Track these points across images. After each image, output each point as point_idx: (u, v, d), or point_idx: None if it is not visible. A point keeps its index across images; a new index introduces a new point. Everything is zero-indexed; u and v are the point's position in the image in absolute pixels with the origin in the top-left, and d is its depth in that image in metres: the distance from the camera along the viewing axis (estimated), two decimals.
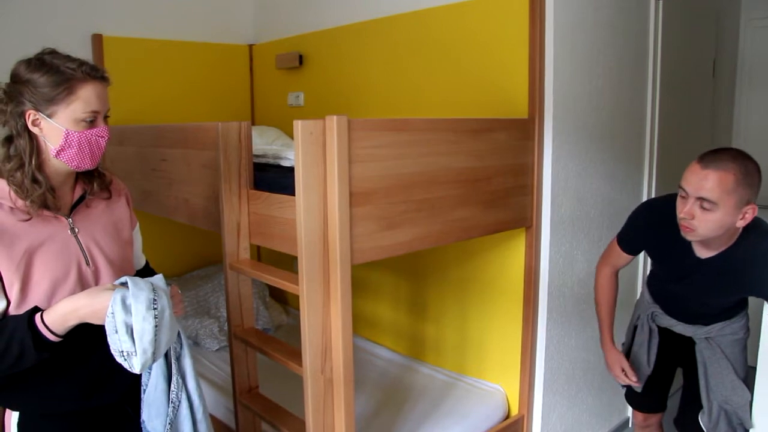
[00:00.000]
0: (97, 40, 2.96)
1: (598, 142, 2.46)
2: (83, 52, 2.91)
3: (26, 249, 1.31)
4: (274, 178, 1.98)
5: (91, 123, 1.35)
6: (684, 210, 1.61)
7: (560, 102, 2.25)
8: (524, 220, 2.27)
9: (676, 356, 2.11)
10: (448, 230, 1.96)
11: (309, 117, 1.60)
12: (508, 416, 2.48)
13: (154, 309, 1.27)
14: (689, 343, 2.02)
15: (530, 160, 2.24)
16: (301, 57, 3.22)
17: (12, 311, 1.31)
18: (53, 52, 1.35)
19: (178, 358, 1.51)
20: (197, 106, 3.38)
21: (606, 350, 2.11)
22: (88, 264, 1.41)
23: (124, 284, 1.31)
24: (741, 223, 1.60)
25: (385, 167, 1.73)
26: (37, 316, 1.26)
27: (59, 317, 1.26)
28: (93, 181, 1.47)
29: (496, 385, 2.53)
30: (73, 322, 1.27)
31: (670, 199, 1.74)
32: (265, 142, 2.76)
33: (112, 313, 1.24)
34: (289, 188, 1.71)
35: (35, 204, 1.31)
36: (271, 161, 2.14)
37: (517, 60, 2.23)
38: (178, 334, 1.49)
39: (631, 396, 2.25)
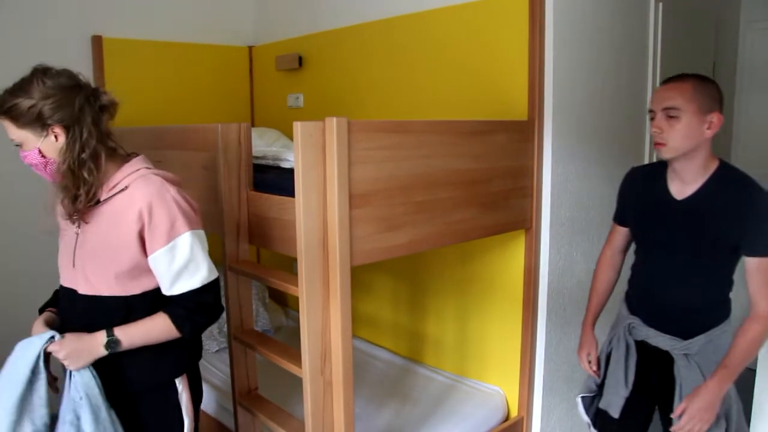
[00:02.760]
0: (97, 41, 2.97)
1: (597, 143, 2.47)
2: (83, 53, 2.94)
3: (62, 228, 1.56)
4: (273, 180, 1.98)
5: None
6: (654, 125, 1.70)
7: (560, 104, 2.25)
8: (524, 221, 2.27)
9: (654, 385, 1.89)
10: (447, 232, 1.96)
11: (309, 118, 1.60)
12: (507, 418, 2.48)
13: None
14: (668, 366, 1.81)
15: (530, 161, 2.24)
16: (300, 58, 3.22)
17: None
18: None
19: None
20: (197, 108, 3.38)
21: (583, 331, 2.03)
22: (74, 265, 1.52)
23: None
24: (709, 133, 1.66)
25: (385, 169, 1.73)
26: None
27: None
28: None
29: (496, 387, 2.53)
30: None
31: (652, 163, 1.82)
32: (264, 144, 2.76)
33: None
34: (288, 190, 1.71)
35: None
36: (271, 163, 2.14)
37: (516, 62, 2.24)
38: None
39: (603, 428, 1.99)
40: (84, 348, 1.44)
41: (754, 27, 3.60)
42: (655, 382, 1.88)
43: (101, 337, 1.45)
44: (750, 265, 1.68)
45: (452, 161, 1.93)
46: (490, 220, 2.10)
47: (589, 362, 2.00)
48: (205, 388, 2.53)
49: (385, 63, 2.78)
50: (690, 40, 3.11)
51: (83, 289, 1.50)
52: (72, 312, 1.55)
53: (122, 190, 1.47)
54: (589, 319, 2.04)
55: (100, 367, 1.46)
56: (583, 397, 2.03)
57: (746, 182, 1.68)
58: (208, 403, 2.51)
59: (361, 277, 3.03)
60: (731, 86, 3.69)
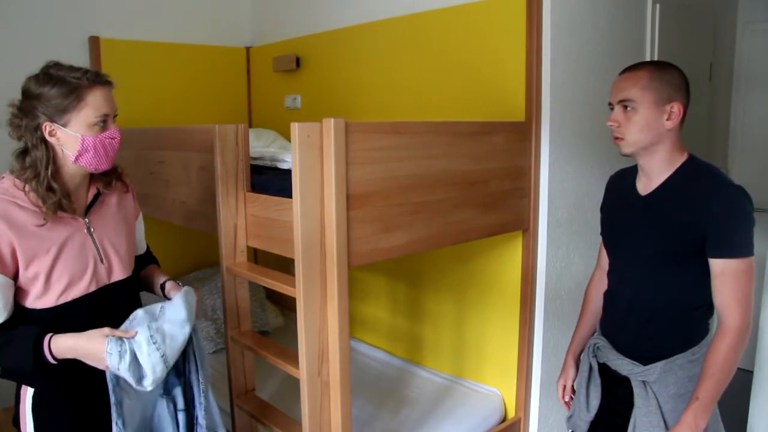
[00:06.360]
0: (95, 42, 2.96)
1: (594, 144, 2.47)
2: (81, 54, 2.93)
3: (50, 248, 1.42)
4: (271, 181, 1.98)
5: (103, 126, 1.44)
6: (610, 118, 1.60)
7: (557, 105, 2.25)
8: (521, 222, 2.27)
9: (619, 410, 1.71)
10: (445, 233, 1.96)
11: (306, 119, 1.60)
12: (505, 419, 2.48)
13: (155, 343, 1.43)
14: (630, 392, 1.66)
15: (527, 162, 2.24)
16: (298, 59, 3.22)
17: (30, 302, 1.43)
18: (57, 65, 1.43)
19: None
20: (194, 109, 3.37)
21: (565, 358, 1.93)
22: (102, 261, 1.52)
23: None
24: (669, 124, 1.53)
25: (383, 170, 1.73)
26: (45, 342, 1.38)
27: (62, 349, 1.39)
28: (109, 178, 1.58)
29: (493, 388, 2.53)
30: (70, 356, 1.41)
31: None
32: (262, 145, 2.76)
33: (110, 353, 1.39)
34: (286, 190, 1.71)
35: (50, 210, 1.40)
36: (269, 163, 2.14)
37: (514, 63, 2.24)
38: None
39: None
40: None
41: (752, 28, 3.60)
42: (619, 407, 1.69)
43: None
44: (715, 268, 1.50)
45: (450, 162, 1.93)
46: (487, 220, 2.10)
47: (565, 393, 1.91)
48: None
49: (383, 64, 2.78)
50: (687, 41, 3.11)
51: None
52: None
53: None
54: (572, 347, 1.92)
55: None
56: None
57: (715, 175, 1.54)
58: None
59: (358, 278, 3.03)
60: (728, 87, 3.70)
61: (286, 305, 3.52)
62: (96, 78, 1.42)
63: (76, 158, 1.43)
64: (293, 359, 1.79)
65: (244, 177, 2.03)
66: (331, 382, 1.74)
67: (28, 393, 1.49)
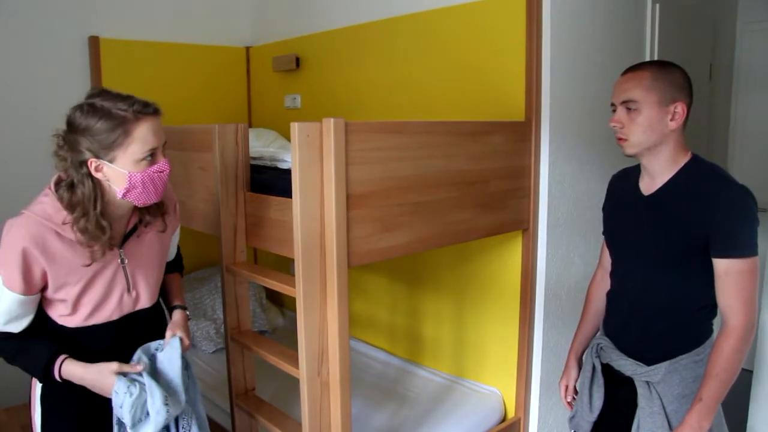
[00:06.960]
0: (94, 42, 2.96)
1: (594, 144, 2.47)
2: (80, 54, 2.94)
3: (79, 279, 1.42)
4: (271, 180, 1.98)
5: (151, 159, 1.40)
6: (613, 119, 1.59)
7: (557, 105, 2.25)
8: (521, 222, 2.27)
9: (623, 411, 1.70)
10: (445, 233, 1.96)
11: (306, 119, 1.60)
12: (504, 419, 2.48)
13: (167, 405, 1.45)
14: (634, 392, 1.65)
15: (527, 162, 2.24)
16: (298, 59, 3.22)
17: (55, 316, 1.46)
18: (102, 93, 1.38)
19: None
20: (194, 109, 3.37)
21: (567, 358, 1.93)
22: (129, 291, 1.51)
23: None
24: (672, 125, 1.52)
25: (382, 170, 1.73)
26: (56, 365, 1.41)
27: (70, 376, 1.42)
28: (149, 211, 1.54)
29: (493, 388, 2.53)
30: (77, 383, 1.44)
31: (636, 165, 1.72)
32: (262, 145, 2.76)
33: (116, 392, 1.41)
34: (286, 190, 1.71)
35: (100, 251, 1.39)
36: (269, 163, 2.14)
37: (514, 63, 2.24)
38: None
39: None
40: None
41: (752, 28, 3.60)
42: (622, 407, 1.69)
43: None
44: (719, 268, 1.49)
45: (450, 162, 1.93)
46: (487, 220, 2.10)
47: (567, 393, 1.91)
48: (202, 390, 2.54)
49: (382, 64, 2.78)
50: (687, 41, 3.11)
51: None
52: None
53: None
54: (573, 347, 1.92)
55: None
56: None
57: (718, 174, 1.53)
58: (205, 405, 2.51)
59: (358, 277, 3.03)
60: (728, 87, 3.70)
61: (286, 305, 3.53)
62: (143, 109, 1.36)
63: (124, 194, 1.39)
64: (293, 359, 1.79)
65: (243, 177, 2.03)
66: (331, 382, 1.74)
67: (37, 383, 1.51)
